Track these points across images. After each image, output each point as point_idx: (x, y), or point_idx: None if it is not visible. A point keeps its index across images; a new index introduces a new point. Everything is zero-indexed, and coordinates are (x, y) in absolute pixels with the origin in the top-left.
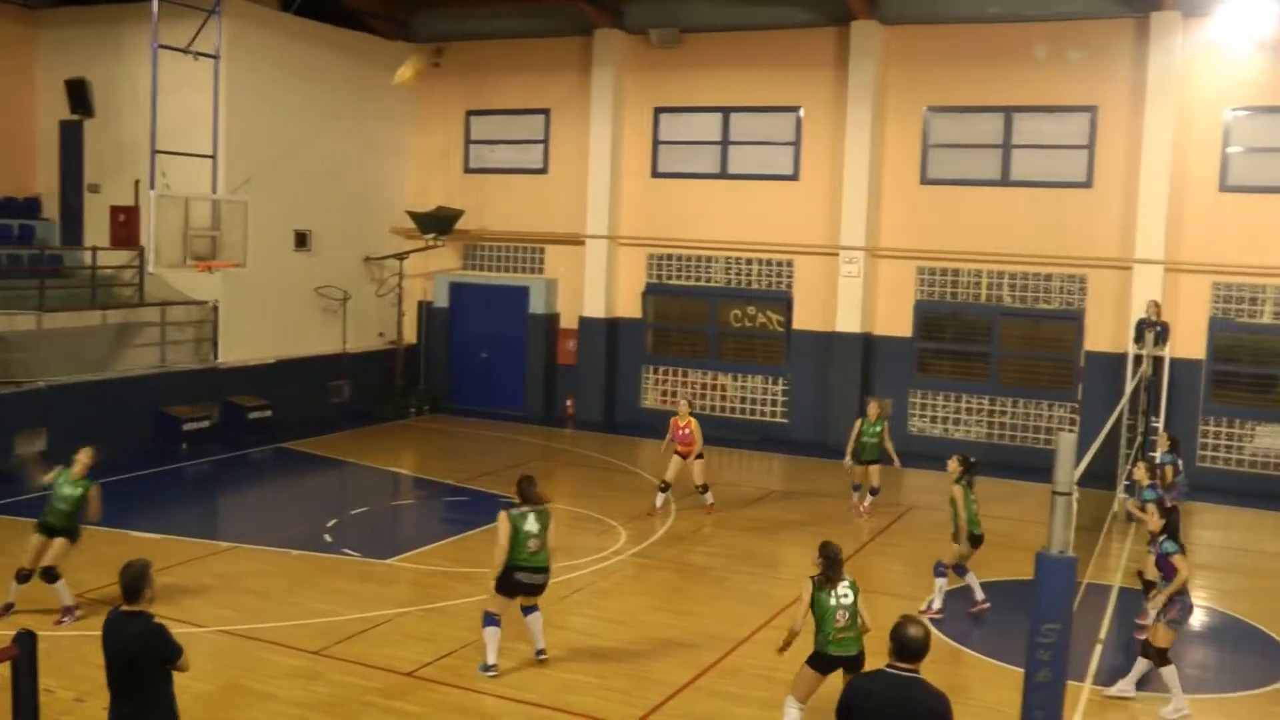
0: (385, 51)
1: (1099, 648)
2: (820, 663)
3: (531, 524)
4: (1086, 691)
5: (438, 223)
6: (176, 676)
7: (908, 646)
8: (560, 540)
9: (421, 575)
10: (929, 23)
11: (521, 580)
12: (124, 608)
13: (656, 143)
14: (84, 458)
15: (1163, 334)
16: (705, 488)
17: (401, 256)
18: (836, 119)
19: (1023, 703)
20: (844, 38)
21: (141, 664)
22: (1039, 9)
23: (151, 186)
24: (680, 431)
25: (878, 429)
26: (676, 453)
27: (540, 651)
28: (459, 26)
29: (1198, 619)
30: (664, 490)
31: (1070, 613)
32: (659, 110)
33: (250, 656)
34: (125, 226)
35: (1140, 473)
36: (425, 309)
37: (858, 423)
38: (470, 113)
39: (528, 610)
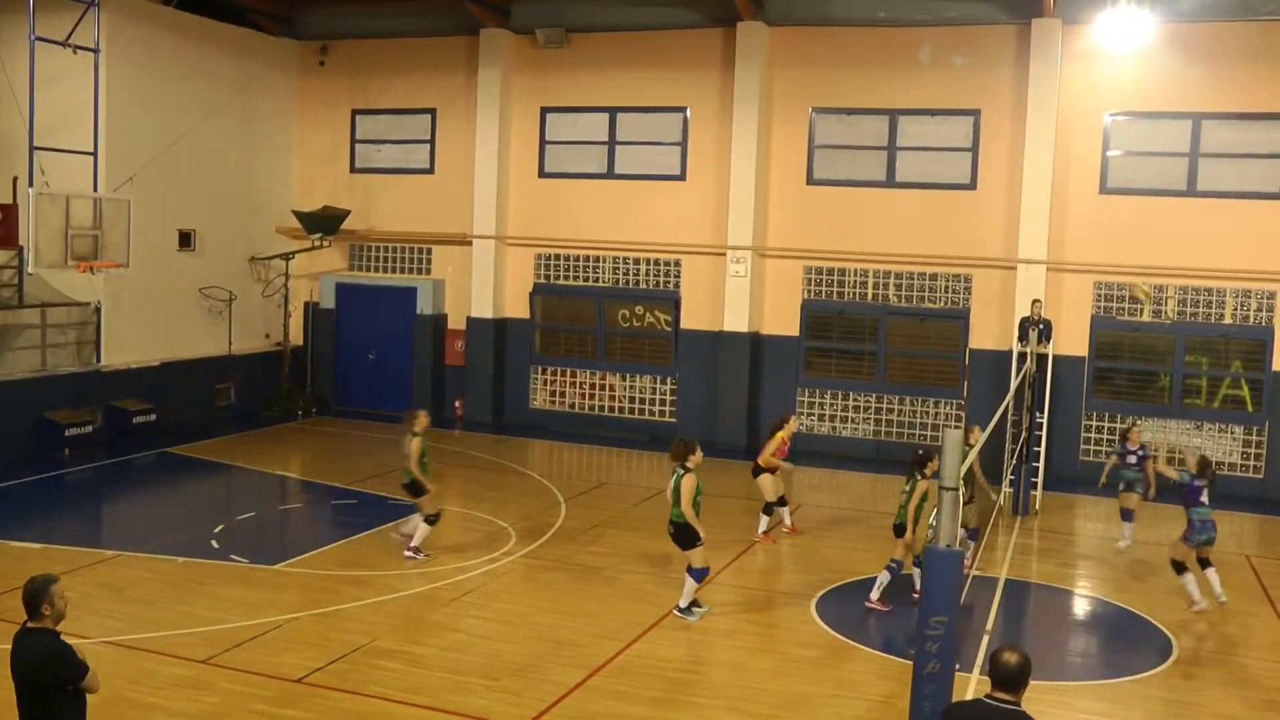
0: (270, 48)
1: (986, 639)
2: None
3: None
4: (974, 682)
5: (324, 222)
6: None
7: (1003, 675)
8: (451, 541)
9: (311, 580)
10: (815, 25)
11: None
12: (28, 624)
13: (544, 143)
14: None
15: (1046, 332)
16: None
17: (287, 257)
18: (723, 119)
19: (912, 694)
20: (730, 39)
21: (43, 684)
22: (924, 14)
23: (30, 184)
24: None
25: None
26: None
27: None
28: (345, 24)
29: (1082, 609)
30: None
31: (958, 605)
32: (546, 110)
33: (136, 668)
34: (3, 225)
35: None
36: (312, 310)
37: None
38: (356, 112)
39: None
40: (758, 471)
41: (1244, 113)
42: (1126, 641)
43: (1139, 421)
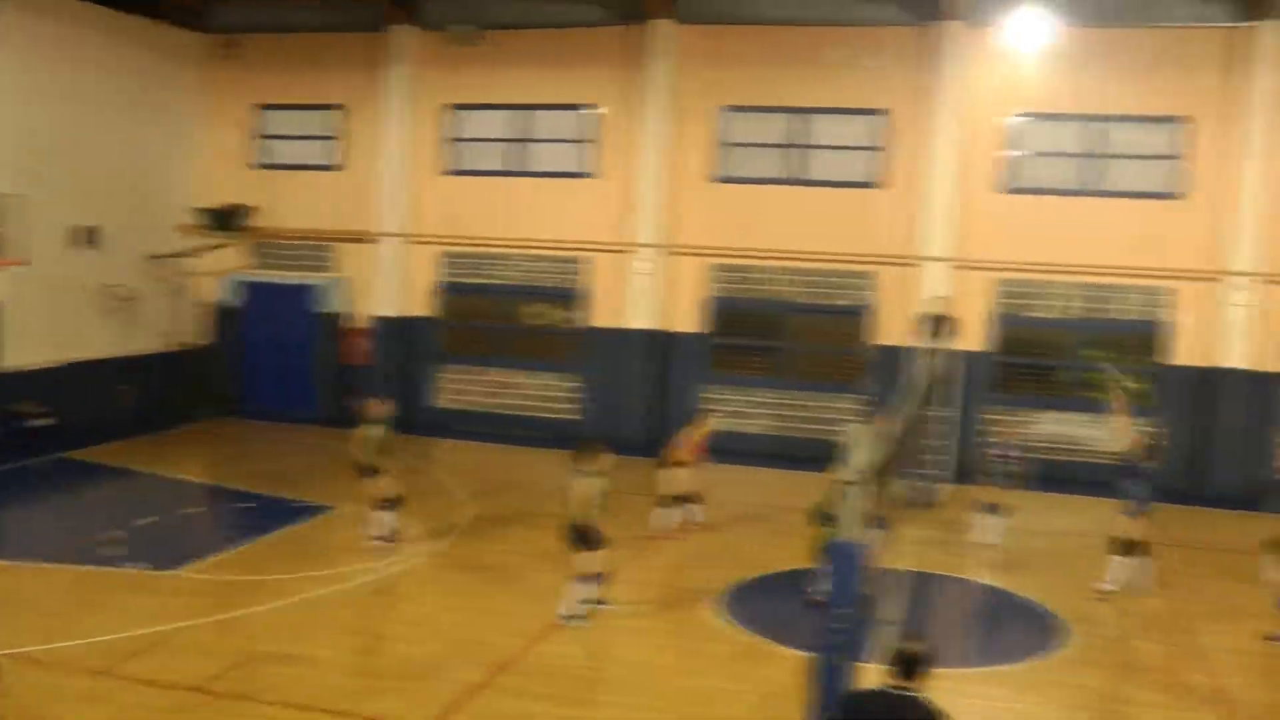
0: (174, 40)
1: (889, 629)
2: None
3: None
4: (877, 673)
5: (228, 219)
6: None
7: (905, 663)
8: (353, 542)
9: (212, 585)
10: (725, 23)
11: None
12: None
13: (452, 140)
14: None
15: (949, 329)
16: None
17: (191, 254)
18: (633, 117)
19: (818, 684)
20: (641, 36)
21: None
22: (832, 14)
23: None
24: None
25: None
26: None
27: None
28: (253, 18)
29: (983, 598)
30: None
31: (862, 597)
32: (455, 107)
33: (32, 682)
34: None
35: None
36: (215, 309)
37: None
38: (262, 106)
39: None
40: (671, 465)
41: (1141, 115)
42: (1025, 628)
43: (1017, 417)
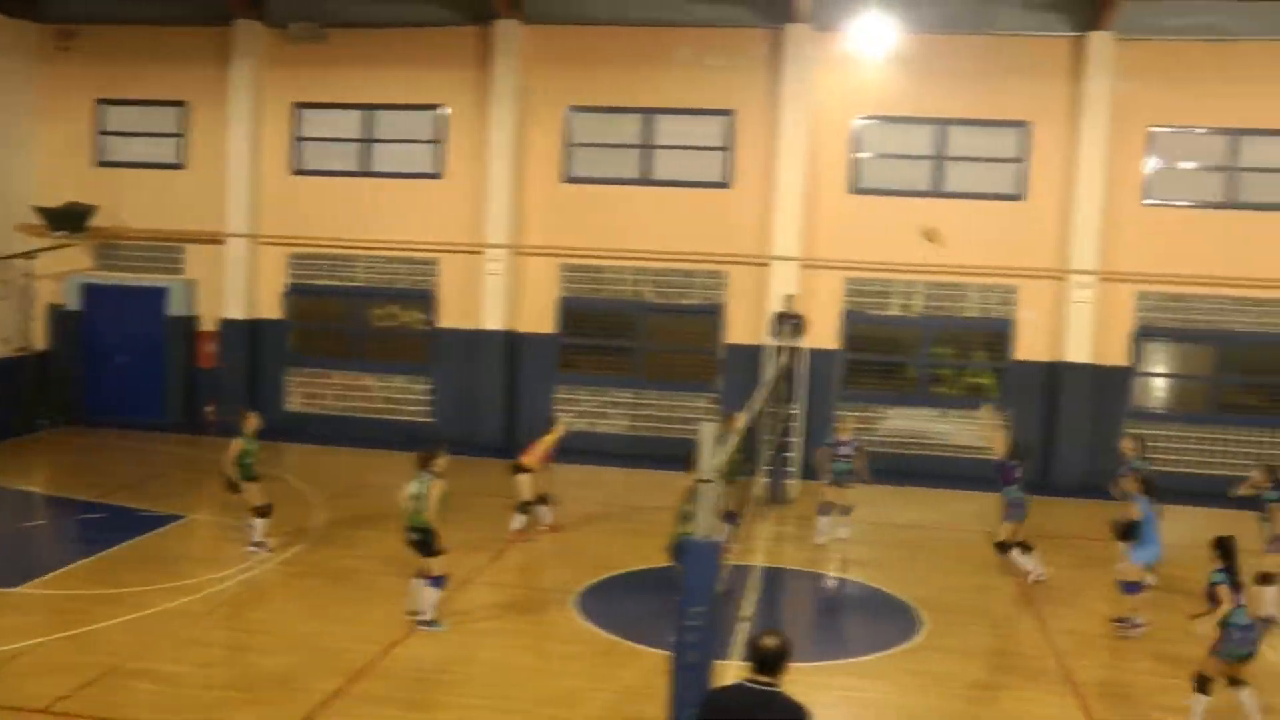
0: (9, 31)
1: (744, 625)
2: None
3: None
4: (733, 668)
5: (68, 219)
6: None
7: (763, 658)
8: (205, 551)
9: (58, 600)
10: (572, 23)
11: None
12: None
13: (298, 139)
14: None
15: (799, 327)
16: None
17: (29, 256)
18: (480, 117)
19: (673, 684)
20: (488, 36)
21: None
22: (679, 15)
23: None
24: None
25: None
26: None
27: None
28: (91, 8)
29: (836, 591)
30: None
31: (716, 595)
32: (301, 106)
33: None
34: None
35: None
36: (56, 312)
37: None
38: (101, 101)
39: None
40: (518, 470)
41: (984, 119)
42: (878, 619)
43: (867, 413)
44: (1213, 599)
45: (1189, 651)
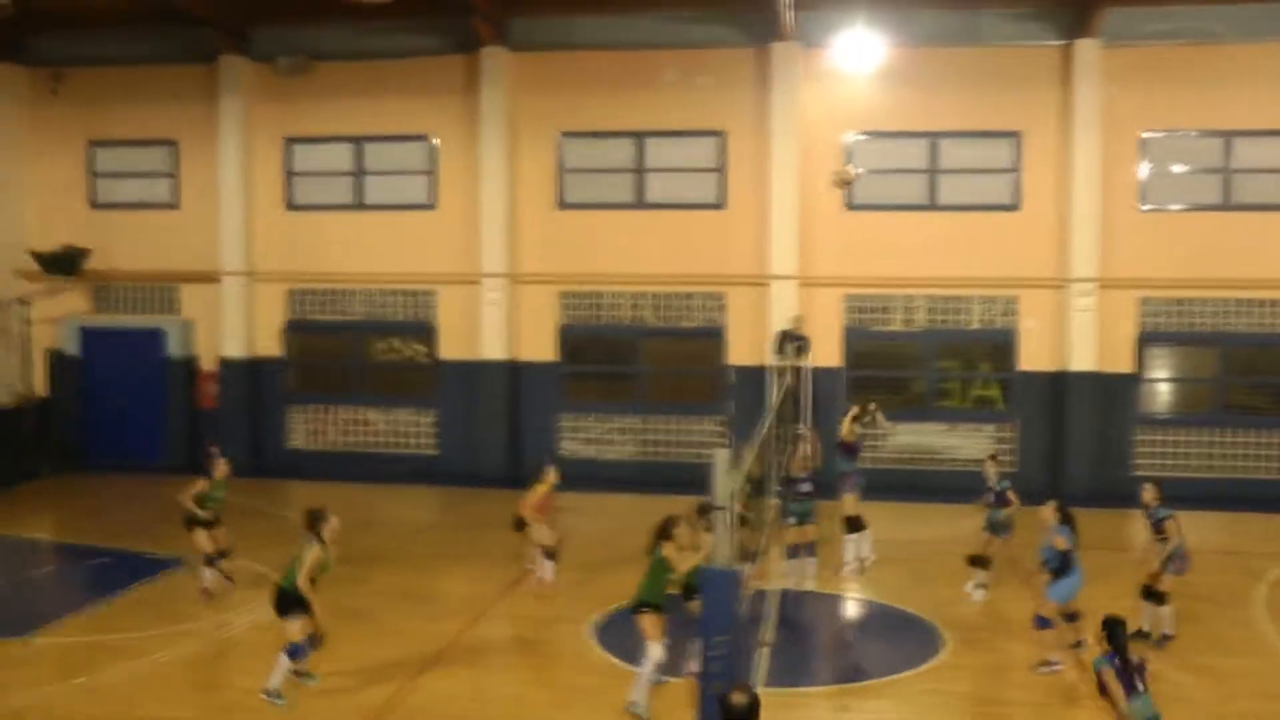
0: None
1: (764, 650)
2: None
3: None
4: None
5: (63, 263)
6: None
7: (734, 716)
8: (216, 596)
9: (66, 648)
10: (559, 49)
11: None
12: None
13: (290, 174)
14: None
15: (803, 347)
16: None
17: (25, 301)
18: (471, 146)
19: (700, 715)
20: (475, 65)
21: None
22: (666, 37)
23: None
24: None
25: None
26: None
27: None
28: (78, 50)
29: (856, 612)
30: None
31: (738, 623)
32: (290, 140)
33: None
34: None
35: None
36: (55, 357)
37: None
38: (93, 143)
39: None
40: (521, 525)
41: (976, 130)
42: (900, 639)
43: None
44: (1101, 689)
45: (1218, 662)
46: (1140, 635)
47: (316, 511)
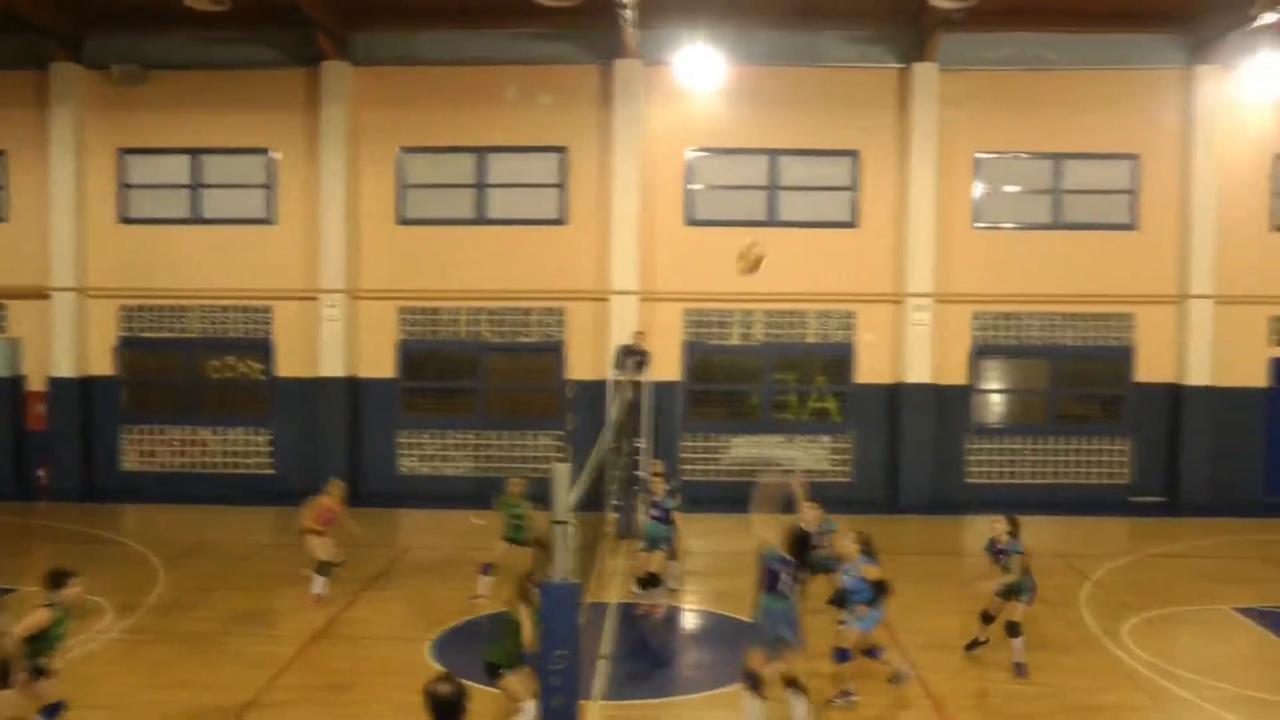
0: None
1: (602, 663)
2: None
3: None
4: (597, 707)
5: None
6: None
7: (439, 707)
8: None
9: None
10: (401, 64)
11: None
12: None
13: (124, 186)
14: None
15: (643, 361)
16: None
17: None
18: (311, 160)
19: None
20: (315, 78)
21: None
22: (508, 53)
23: None
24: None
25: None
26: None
27: None
28: None
29: (694, 623)
30: None
31: (578, 637)
32: (125, 151)
33: None
34: None
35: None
36: None
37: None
38: None
39: None
40: (304, 533)
41: (815, 149)
42: (739, 649)
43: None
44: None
45: (1053, 659)
46: (976, 644)
47: (60, 573)
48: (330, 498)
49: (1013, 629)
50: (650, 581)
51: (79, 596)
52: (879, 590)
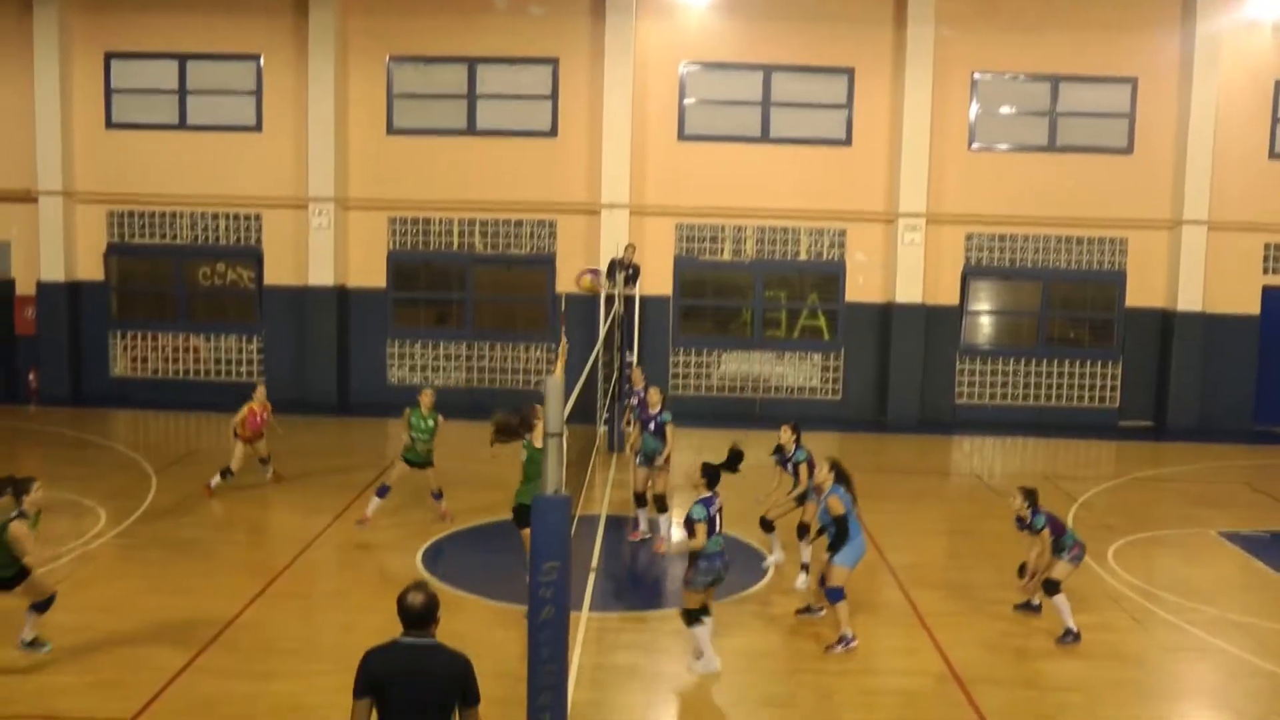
0: None
1: (593, 576)
2: None
3: None
4: (585, 619)
5: None
6: None
7: (411, 615)
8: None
9: None
10: None
11: None
12: None
13: (110, 90)
14: None
15: (634, 276)
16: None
17: None
18: (299, 68)
19: (529, 641)
20: None
21: None
22: None
23: None
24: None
25: (430, 423)
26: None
27: None
28: None
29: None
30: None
31: (568, 549)
32: (111, 55)
33: None
34: None
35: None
36: None
37: (406, 412)
38: None
39: None
40: (237, 440)
41: (809, 65)
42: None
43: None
44: (690, 531)
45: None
46: (1030, 607)
47: (20, 482)
48: (257, 403)
49: (1051, 586)
50: (655, 503)
51: (43, 498)
52: (839, 526)
